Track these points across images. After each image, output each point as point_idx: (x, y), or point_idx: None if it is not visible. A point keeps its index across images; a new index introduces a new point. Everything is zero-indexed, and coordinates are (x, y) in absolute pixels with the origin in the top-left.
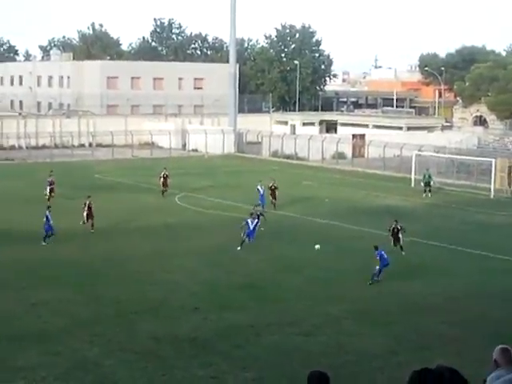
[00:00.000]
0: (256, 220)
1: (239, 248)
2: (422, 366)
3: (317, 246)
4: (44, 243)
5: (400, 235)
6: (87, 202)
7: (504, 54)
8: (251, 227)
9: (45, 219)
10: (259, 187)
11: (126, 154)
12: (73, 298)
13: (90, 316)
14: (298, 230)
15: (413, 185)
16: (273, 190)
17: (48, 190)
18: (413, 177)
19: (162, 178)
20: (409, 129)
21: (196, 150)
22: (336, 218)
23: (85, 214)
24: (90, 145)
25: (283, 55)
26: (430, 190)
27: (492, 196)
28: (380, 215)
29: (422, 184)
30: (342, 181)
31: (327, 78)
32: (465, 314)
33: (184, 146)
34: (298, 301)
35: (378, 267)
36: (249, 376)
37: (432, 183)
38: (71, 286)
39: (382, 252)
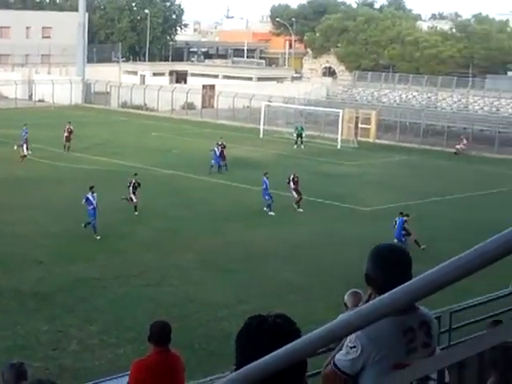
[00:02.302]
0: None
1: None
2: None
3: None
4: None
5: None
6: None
7: (354, 5)
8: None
9: (84, 201)
10: (215, 148)
11: None
12: None
13: None
14: (146, 181)
15: (262, 135)
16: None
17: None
18: (261, 127)
19: (65, 133)
20: (259, 79)
21: (43, 101)
22: (184, 169)
23: None
24: None
25: (134, 4)
26: (302, 142)
27: (339, 146)
28: (228, 165)
29: (295, 135)
30: (191, 131)
31: (178, 28)
32: (312, 262)
33: (30, 96)
34: (145, 252)
35: None
36: (94, 329)
37: (304, 135)
38: None
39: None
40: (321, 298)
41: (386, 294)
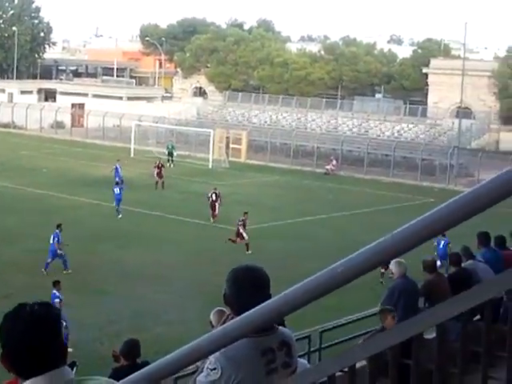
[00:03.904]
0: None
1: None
2: (139, 335)
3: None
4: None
5: None
6: None
7: (224, 26)
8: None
9: (56, 240)
10: (117, 165)
11: None
12: None
13: None
14: (16, 201)
15: (132, 155)
16: (159, 169)
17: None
18: (132, 147)
19: None
20: (129, 99)
21: None
22: (54, 188)
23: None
24: None
25: (1, 21)
26: (172, 160)
27: (210, 166)
28: (98, 185)
29: (166, 153)
30: (60, 151)
31: (46, 46)
32: (184, 282)
33: None
34: (15, 273)
35: None
36: None
37: (175, 154)
38: None
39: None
40: (195, 318)
41: (238, 318)
